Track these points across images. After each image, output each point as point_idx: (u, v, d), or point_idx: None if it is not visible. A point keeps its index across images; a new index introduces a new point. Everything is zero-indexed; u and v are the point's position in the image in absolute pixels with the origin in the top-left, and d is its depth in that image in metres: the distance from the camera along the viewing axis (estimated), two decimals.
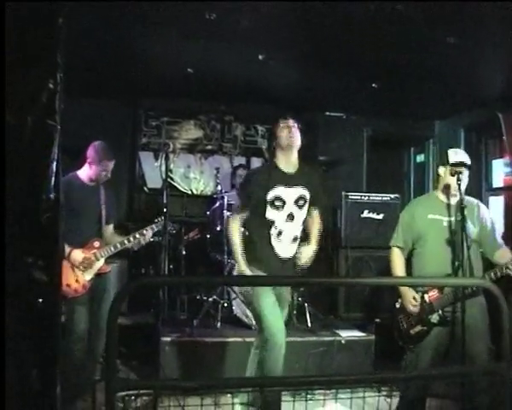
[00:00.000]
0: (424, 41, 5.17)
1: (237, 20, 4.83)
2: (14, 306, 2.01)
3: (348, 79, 6.59)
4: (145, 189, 7.95)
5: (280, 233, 4.24)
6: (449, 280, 4.08)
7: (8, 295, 1.99)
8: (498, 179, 7.47)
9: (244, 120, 8.33)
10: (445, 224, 4.22)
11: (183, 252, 6.76)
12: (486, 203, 7.52)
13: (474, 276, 4.03)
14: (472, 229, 4.20)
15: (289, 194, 4.29)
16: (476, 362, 3.95)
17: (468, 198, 4.33)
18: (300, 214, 4.35)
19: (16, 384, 2.03)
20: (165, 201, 5.30)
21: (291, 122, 4.50)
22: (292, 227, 4.29)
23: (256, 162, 8.29)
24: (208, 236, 6.69)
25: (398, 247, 4.39)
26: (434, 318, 4.15)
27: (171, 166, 7.70)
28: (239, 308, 6.06)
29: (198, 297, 6.42)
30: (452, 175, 4.25)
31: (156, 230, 5.07)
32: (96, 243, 4.77)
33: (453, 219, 4.22)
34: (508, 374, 2.60)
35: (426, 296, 4.18)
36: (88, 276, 4.70)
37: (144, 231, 4.94)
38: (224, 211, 6.41)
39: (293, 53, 5.82)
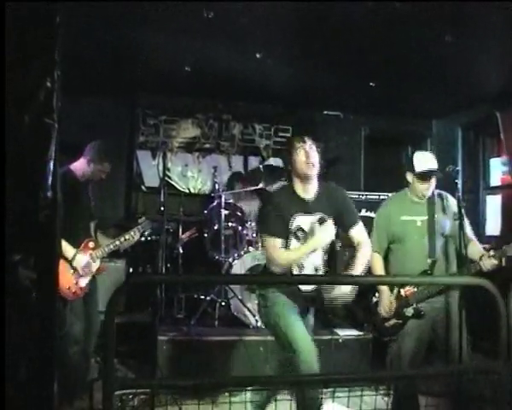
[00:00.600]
0: (422, 40, 5.17)
1: (235, 18, 4.83)
2: (11, 305, 2.01)
3: (346, 77, 6.59)
4: (143, 187, 7.94)
5: (302, 266, 3.85)
6: (444, 279, 4.12)
7: (6, 295, 1.99)
8: (496, 178, 7.48)
9: (242, 118, 8.32)
10: (419, 223, 4.27)
11: (181, 251, 6.76)
12: (484, 202, 7.55)
13: (449, 271, 4.22)
14: (446, 223, 4.27)
15: (309, 222, 3.84)
16: (454, 352, 4.04)
17: (438, 192, 4.40)
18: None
19: (13, 384, 2.02)
20: (162, 199, 5.30)
21: (308, 145, 3.91)
22: (312, 257, 3.87)
23: (254, 161, 8.29)
24: (206, 235, 6.68)
25: (376, 251, 4.38)
26: (409, 311, 4.23)
27: (169, 164, 7.70)
28: (236, 307, 6.06)
29: (195, 296, 6.42)
30: (420, 182, 4.27)
31: (142, 230, 5.05)
32: (91, 244, 4.76)
33: (426, 217, 4.27)
34: (504, 372, 2.60)
35: (402, 291, 4.28)
36: (87, 278, 4.69)
37: (132, 233, 4.94)
38: (222, 210, 6.41)
39: (290, 51, 5.83)
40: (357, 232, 3.99)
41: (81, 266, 4.61)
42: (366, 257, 3.91)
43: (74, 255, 4.57)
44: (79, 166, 4.77)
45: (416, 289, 4.23)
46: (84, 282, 4.65)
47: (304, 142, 3.89)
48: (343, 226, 4.00)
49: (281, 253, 3.79)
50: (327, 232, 3.77)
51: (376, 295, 4.43)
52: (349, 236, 4.01)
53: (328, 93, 7.41)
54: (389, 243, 4.39)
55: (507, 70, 5.97)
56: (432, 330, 4.26)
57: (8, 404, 1.98)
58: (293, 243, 3.83)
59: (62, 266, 4.49)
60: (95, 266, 4.74)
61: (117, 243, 4.88)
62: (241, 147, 8.32)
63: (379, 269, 4.37)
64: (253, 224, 6.70)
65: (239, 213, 6.63)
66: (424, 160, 4.30)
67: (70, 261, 4.55)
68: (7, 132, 1.99)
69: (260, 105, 8.08)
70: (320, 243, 3.79)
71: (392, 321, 4.30)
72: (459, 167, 4.55)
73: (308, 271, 3.86)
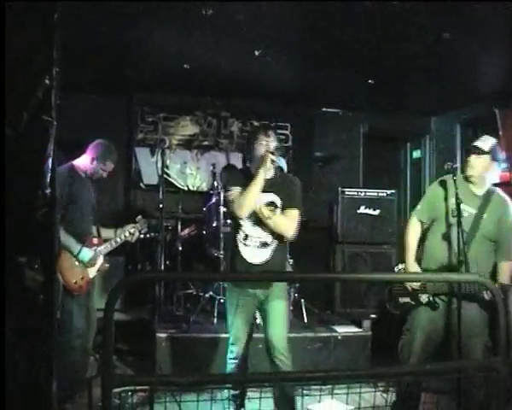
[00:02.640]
0: (420, 37, 5.17)
1: (234, 15, 4.83)
2: (11, 303, 2.01)
3: (344, 74, 6.59)
4: (141, 185, 7.94)
5: (246, 237, 4.15)
6: (444, 275, 4.10)
7: (6, 292, 1.99)
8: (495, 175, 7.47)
9: (240, 115, 8.32)
10: (466, 214, 4.09)
11: (180, 248, 6.76)
12: None
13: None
14: (490, 225, 4.11)
15: (259, 199, 4.11)
16: (470, 358, 3.95)
17: (501, 195, 4.31)
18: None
19: (12, 381, 2.02)
20: (161, 196, 5.30)
21: (271, 142, 4.15)
22: (259, 232, 4.14)
23: None
24: (205, 232, 6.68)
25: (419, 220, 4.33)
26: (424, 298, 4.19)
27: (168, 161, 7.70)
28: None
29: (194, 293, 6.42)
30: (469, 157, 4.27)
31: (140, 229, 5.07)
32: (95, 240, 4.79)
33: (474, 212, 4.14)
34: (503, 369, 2.60)
35: None
36: (92, 273, 4.71)
37: (132, 231, 4.97)
38: (221, 207, 6.41)
39: (289, 49, 5.83)
40: (291, 213, 4.20)
41: (87, 260, 4.64)
42: (278, 223, 4.14)
43: (80, 250, 4.59)
44: (82, 162, 4.79)
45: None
46: (89, 277, 4.67)
47: (267, 135, 4.15)
48: (283, 205, 4.20)
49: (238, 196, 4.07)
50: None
51: (400, 266, 4.40)
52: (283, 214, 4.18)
53: (327, 90, 7.42)
54: (429, 220, 4.30)
55: (506, 67, 5.97)
56: (444, 332, 4.17)
57: (8, 401, 1.98)
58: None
59: (68, 261, 4.52)
60: (99, 261, 4.76)
61: (118, 240, 4.90)
62: (239, 144, 8.32)
63: (413, 236, 4.32)
64: None
65: None
66: (483, 139, 4.34)
67: (76, 256, 4.57)
68: (6, 129, 1.99)
69: (259, 102, 8.07)
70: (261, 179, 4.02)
71: (406, 299, 4.28)
72: (458, 164, 4.54)
73: (254, 244, 4.14)
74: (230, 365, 4.26)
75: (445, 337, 4.19)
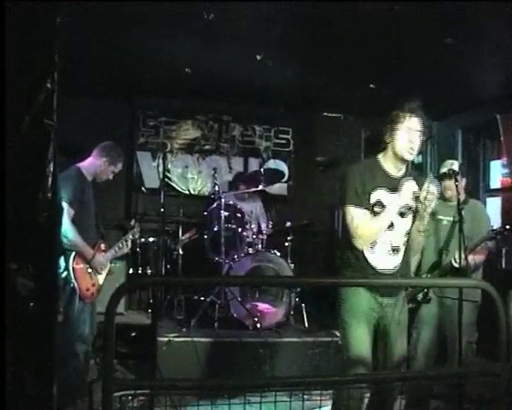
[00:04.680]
0: (422, 42, 5.18)
1: (235, 20, 4.83)
2: (12, 306, 2.01)
3: (346, 79, 6.60)
4: (143, 189, 7.94)
5: (374, 243, 3.60)
6: (445, 281, 4.13)
7: (8, 295, 1.99)
8: (496, 180, 7.48)
9: (242, 120, 8.32)
10: (445, 222, 4.60)
11: (181, 252, 6.75)
12: (484, 204, 7.54)
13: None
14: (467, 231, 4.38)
15: (391, 199, 3.60)
16: (453, 355, 4.30)
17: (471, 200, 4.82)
18: (403, 224, 3.65)
19: (13, 385, 2.02)
20: (162, 201, 5.30)
21: (416, 123, 3.61)
22: (391, 237, 3.62)
23: (254, 163, 8.29)
24: (206, 236, 6.67)
25: None
26: (419, 296, 4.52)
27: (169, 166, 7.70)
28: (236, 309, 6.05)
29: (195, 298, 6.41)
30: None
31: (132, 237, 5.09)
32: (102, 245, 4.78)
33: (451, 219, 4.56)
34: (504, 374, 2.60)
35: None
36: (101, 279, 4.71)
37: (130, 236, 5.00)
38: (222, 211, 6.40)
39: (291, 53, 5.83)
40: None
41: (99, 266, 4.65)
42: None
43: (93, 255, 4.59)
44: (91, 165, 4.75)
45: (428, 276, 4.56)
46: (99, 283, 4.68)
47: (411, 116, 3.62)
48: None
49: (363, 222, 3.54)
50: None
51: None
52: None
53: (329, 95, 7.42)
54: None
55: (507, 73, 5.97)
56: (445, 326, 4.52)
57: (10, 406, 1.98)
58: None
59: (81, 269, 4.50)
60: (107, 267, 4.77)
61: (120, 245, 4.92)
62: (241, 148, 8.32)
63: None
64: (253, 225, 6.70)
65: (239, 215, 6.62)
66: (450, 162, 4.68)
67: (89, 262, 4.57)
68: (7, 133, 1.99)
69: (260, 107, 8.08)
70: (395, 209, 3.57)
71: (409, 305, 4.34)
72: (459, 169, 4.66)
73: (383, 250, 3.62)
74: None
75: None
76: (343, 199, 3.61)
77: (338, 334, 5.79)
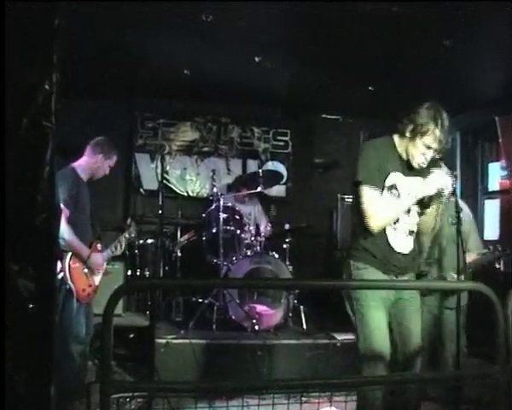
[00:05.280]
0: (420, 44, 5.18)
1: (234, 21, 4.83)
2: (12, 307, 2.01)
3: (344, 81, 6.60)
4: (141, 190, 7.93)
5: (397, 221, 3.58)
6: (441, 283, 4.13)
7: (8, 296, 1.99)
8: (494, 183, 7.49)
9: (240, 121, 8.33)
10: None
11: (179, 254, 6.75)
12: (482, 206, 7.55)
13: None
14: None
15: (406, 183, 3.60)
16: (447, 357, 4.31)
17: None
18: (417, 207, 3.68)
19: (12, 386, 2.02)
20: (160, 202, 5.29)
21: (437, 140, 3.49)
22: (408, 220, 3.64)
23: (252, 165, 8.29)
24: (204, 238, 6.67)
25: None
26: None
27: (168, 167, 7.70)
28: (234, 311, 6.05)
29: (193, 299, 6.40)
30: None
31: (128, 239, 5.09)
32: (99, 246, 4.77)
33: None
34: (502, 377, 2.60)
35: None
36: (97, 280, 4.70)
37: (126, 234, 4.99)
38: (220, 213, 6.40)
39: (289, 55, 5.84)
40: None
41: (95, 267, 4.64)
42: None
43: (89, 256, 4.58)
44: (85, 164, 4.73)
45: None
46: (95, 283, 4.66)
47: (441, 114, 3.53)
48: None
49: (379, 205, 3.52)
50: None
51: None
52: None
53: (327, 97, 7.42)
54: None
55: (506, 75, 5.97)
56: (440, 329, 4.46)
57: (7, 406, 1.97)
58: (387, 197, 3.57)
59: (78, 268, 4.49)
60: (103, 267, 4.76)
61: (117, 245, 4.91)
62: (239, 150, 8.33)
63: None
64: (252, 227, 6.70)
65: (237, 217, 6.62)
66: None
67: (85, 262, 4.56)
68: (7, 134, 1.99)
69: (259, 108, 8.09)
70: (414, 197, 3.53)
71: None
72: (457, 172, 4.58)
73: (402, 232, 3.62)
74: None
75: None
76: (359, 178, 3.58)
77: (337, 336, 5.86)
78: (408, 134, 3.58)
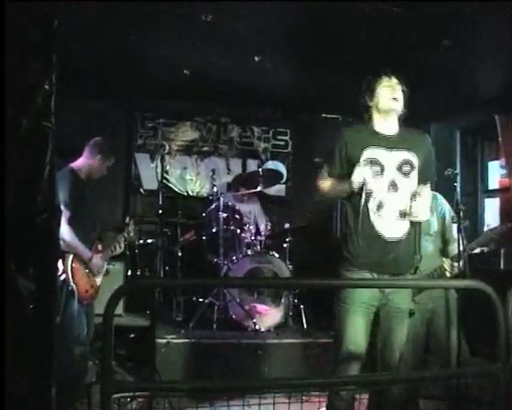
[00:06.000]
0: (420, 43, 5.17)
1: (233, 21, 4.83)
2: (11, 308, 2.01)
3: (344, 80, 6.59)
4: (141, 190, 7.93)
5: (380, 206, 3.43)
6: (440, 282, 4.11)
7: (8, 296, 1.99)
8: (494, 181, 7.49)
9: (240, 121, 8.33)
10: None
11: (179, 254, 6.75)
12: (482, 205, 7.55)
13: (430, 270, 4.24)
14: (433, 223, 4.34)
15: (389, 158, 3.51)
16: (443, 355, 4.20)
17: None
18: (407, 184, 3.50)
19: (13, 386, 2.02)
20: (160, 202, 5.29)
21: (394, 81, 3.70)
22: (396, 199, 3.46)
23: (252, 164, 8.29)
24: (204, 237, 6.67)
25: None
26: None
27: (168, 167, 7.69)
28: (235, 310, 6.05)
29: (194, 299, 6.40)
30: None
31: (127, 238, 5.08)
32: (99, 246, 4.77)
33: None
34: (503, 375, 2.60)
35: None
36: (99, 281, 4.71)
37: (125, 234, 4.99)
38: (220, 213, 6.40)
39: (289, 55, 5.83)
40: (425, 193, 3.55)
41: (96, 268, 4.64)
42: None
43: (91, 257, 4.58)
44: (84, 164, 4.74)
45: None
46: (97, 284, 4.67)
47: (390, 77, 3.74)
48: (422, 178, 3.61)
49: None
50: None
51: None
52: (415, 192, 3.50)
53: (327, 96, 7.41)
54: None
55: (506, 74, 5.97)
56: (427, 331, 4.33)
57: (8, 406, 1.97)
58: (367, 175, 3.42)
59: (80, 271, 4.49)
60: (104, 268, 4.77)
61: (117, 245, 4.91)
62: (239, 150, 8.33)
63: None
64: (252, 227, 6.69)
65: (237, 216, 6.62)
66: None
67: (86, 263, 4.56)
68: (7, 135, 1.99)
69: (259, 108, 8.08)
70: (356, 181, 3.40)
71: None
72: (457, 171, 4.57)
73: (391, 215, 3.45)
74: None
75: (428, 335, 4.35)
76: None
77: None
78: (369, 102, 3.74)
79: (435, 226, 4.36)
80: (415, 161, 3.56)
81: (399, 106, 3.66)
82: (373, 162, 3.48)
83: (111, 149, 4.84)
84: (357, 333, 3.46)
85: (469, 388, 3.88)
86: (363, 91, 3.80)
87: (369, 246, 3.46)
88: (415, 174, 3.55)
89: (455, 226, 4.21)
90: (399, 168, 3.51)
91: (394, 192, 3.48)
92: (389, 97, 3.63)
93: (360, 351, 3.47)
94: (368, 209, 3.45)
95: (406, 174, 3.52)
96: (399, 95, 3.67)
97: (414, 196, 3.45)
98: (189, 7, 4.53)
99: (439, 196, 4.44)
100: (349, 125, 4.04)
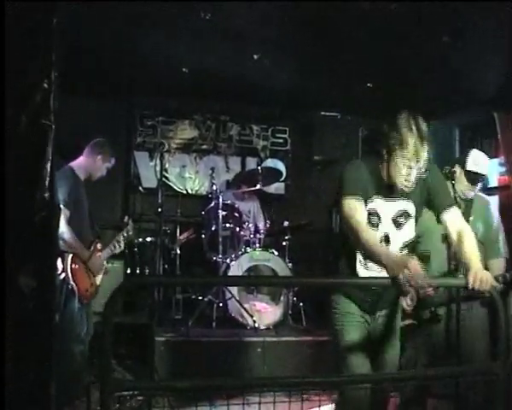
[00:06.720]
0: (419, 40, 5.17)
1: (232, 19, 4.83)
2: (11, 307, 2.01)
3: (343, 78, 6.59)
4: (140, 188, 7.91)
5: (367, 258, 3.17)
6: (448, 280, 4.06)
7: (8, 294, 1.99)
8: (493, 179, 7.48)
9: (239, 119, 8.32)
10: None
11: (178, 252, 6.75)
12: None
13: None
14: (479, 229, 4.05)
15: (387, 209, 3.22)
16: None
17: (481, 196, 4.31)
18: (399, 236, 3.25)
19: (13, 385, 2.02)
20: (159, 200, 5.29)
21: (424, 130, 3.26)
22: (398, 236, 3.25)
23: (251, 162, 8.29)
24: (203, 236, 6.67)
25: None
26: (426, 314, 4.08)
27: (167, 165, 7.68)
28: (234, 308, 6.05)
29: (193, 297, 6.41)
30: (466, 182, 4.11)
31: (126, 237, 5.07)
32: (99, 245, 4.77)
33: None
34: (503, 373, 2.60)
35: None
36: (99, 279, 4.71)
37: (125, 233, 4.98)
38: (219, 211, 6.40)
39: (288, 52, 5.83)
40: (452, 217, 3.22)
41: (96, 267, 4.64)
42: (473, 247, 3.08)
43: (90, 257, 4.57)
44: (83, 164, 4.75)
45: (434, 292, 3.91)
46: (97, 283, 4.67)
47: (417, 123, 3.28)
48: (434, 210, 3.30)
49: (364, 225, 3.04)
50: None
51: None
52: (442, 222, 3.25)
53: (326, 94, 7.41)
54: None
55: (505, 71, 5.97)
56: (448, 341, 4.05)
57: (8, 406, 1.97)
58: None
59: (79, 270, 4.49)
60: (103, 267, 4.77)
61: (116, 244, 4.90)
62: (238, 148, 8.32)
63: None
64: (251, 225, 6.70)
65: (236, 214, 6.63)
66: (479, 161, 4.15)
67: (86, 262, 4.56)
68: (6, 133, 1.99)
69: (258, 106, 8.07)
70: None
71: (408, 321, 4.08)
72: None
73: (378, 268, 3.05)
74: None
75: (448, 348, 4.06)
76: (342, 192, 3.13)
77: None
78: (385, 153, 3.15)
79: (480, 233, 4.03)
80: (411, 209, 3.27)
81: (411, 182, 3.14)
82: (373, 214, 3.19)
83: (111, 151, 4.83)
84: (357, 355, 3.37)
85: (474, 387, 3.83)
86: (385, 130, 3.29)
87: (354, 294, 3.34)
88: (410, 223, 3.28)
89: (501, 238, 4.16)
90: (394, 220, 3.25)
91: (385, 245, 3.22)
92: (403, 170, 3.10)
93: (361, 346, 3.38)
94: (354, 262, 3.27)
95: (400, 226, 3.26)
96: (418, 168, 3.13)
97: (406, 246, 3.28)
98: (188, 4, 4.53)
99: (490, 204, 4.33)
100: (355, 160, 3.52)
